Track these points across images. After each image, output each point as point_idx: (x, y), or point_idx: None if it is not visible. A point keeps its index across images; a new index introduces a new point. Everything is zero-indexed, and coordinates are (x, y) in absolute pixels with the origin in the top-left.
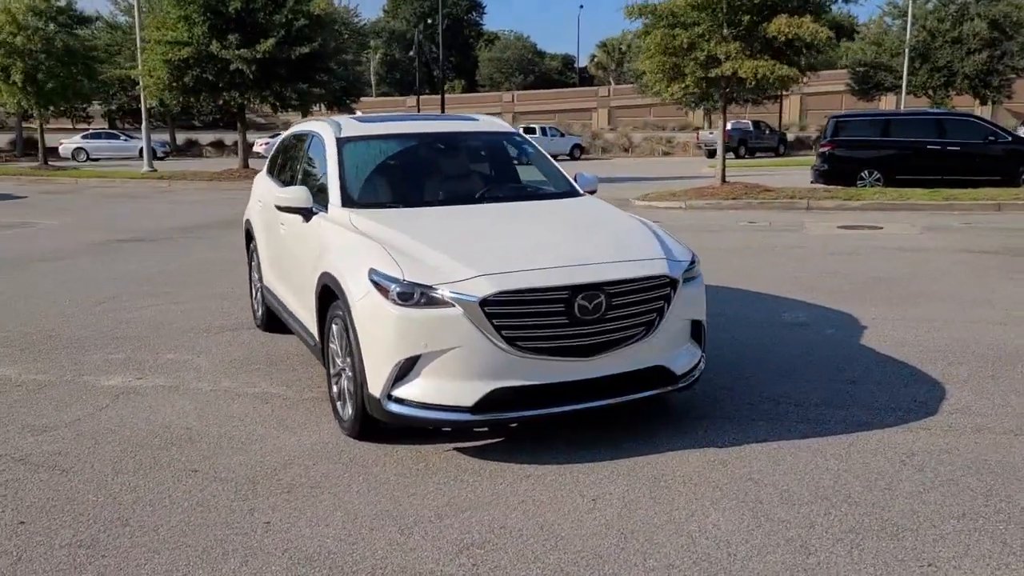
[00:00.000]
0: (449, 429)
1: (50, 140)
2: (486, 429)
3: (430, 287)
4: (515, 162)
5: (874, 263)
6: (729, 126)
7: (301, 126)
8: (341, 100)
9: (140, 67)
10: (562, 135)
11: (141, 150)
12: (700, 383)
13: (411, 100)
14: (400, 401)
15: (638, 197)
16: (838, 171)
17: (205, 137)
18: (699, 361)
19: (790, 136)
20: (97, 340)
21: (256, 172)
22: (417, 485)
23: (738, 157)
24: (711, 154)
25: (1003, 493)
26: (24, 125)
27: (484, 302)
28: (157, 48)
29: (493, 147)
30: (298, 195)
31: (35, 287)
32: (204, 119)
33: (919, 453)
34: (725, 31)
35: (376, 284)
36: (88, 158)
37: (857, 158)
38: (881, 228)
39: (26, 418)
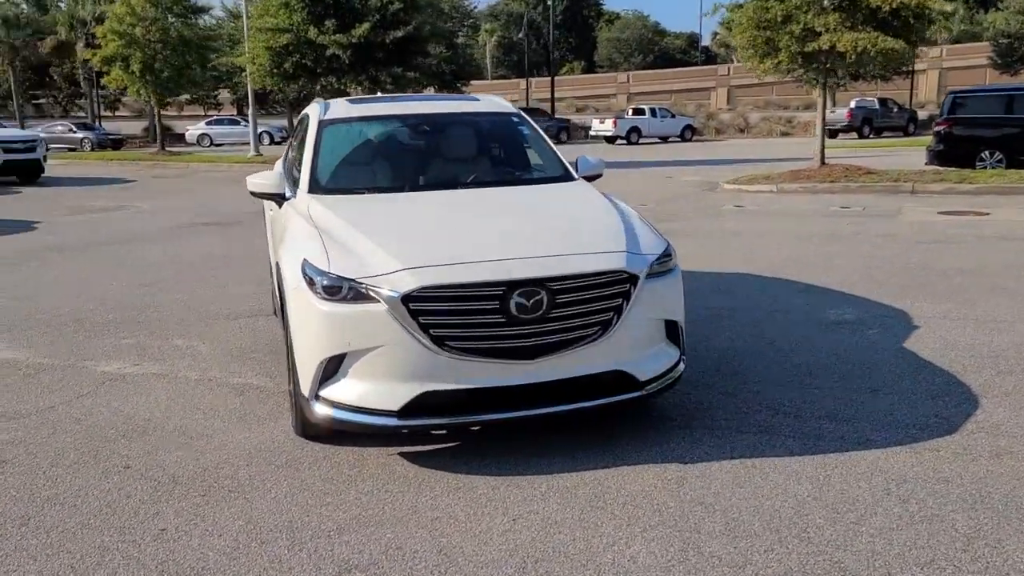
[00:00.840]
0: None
1: (182, 127)
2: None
3: (355, 281)
4: (523, 144)
5: (964, 254)
6: (853, 104)
7: (307, 108)
8: (451, 83)
9: (245, 54)
10: (672, 116)
11: (260, 134)
12: (696, 387)
13: (525, 83)
14: (327, 402)
15: (729, 180)
16: (955, 152)
17: None
18: (675, 364)
19: (923, 114)
20: (119, 324)
21: None
22: (338, 493)
23: (862, 137)
24: (833, 134)
25: (992, 537)
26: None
27: (407, 298)
28: (259, 36)
29: (487, 129)
30: (269, 180)
31: (93, 270)
32: None
33: (911, 480)
34: (825, 1)
35: (306, 276)
36: (212, 143)
37: (977, 137)
38: (988, 215)
39: (4, 404)
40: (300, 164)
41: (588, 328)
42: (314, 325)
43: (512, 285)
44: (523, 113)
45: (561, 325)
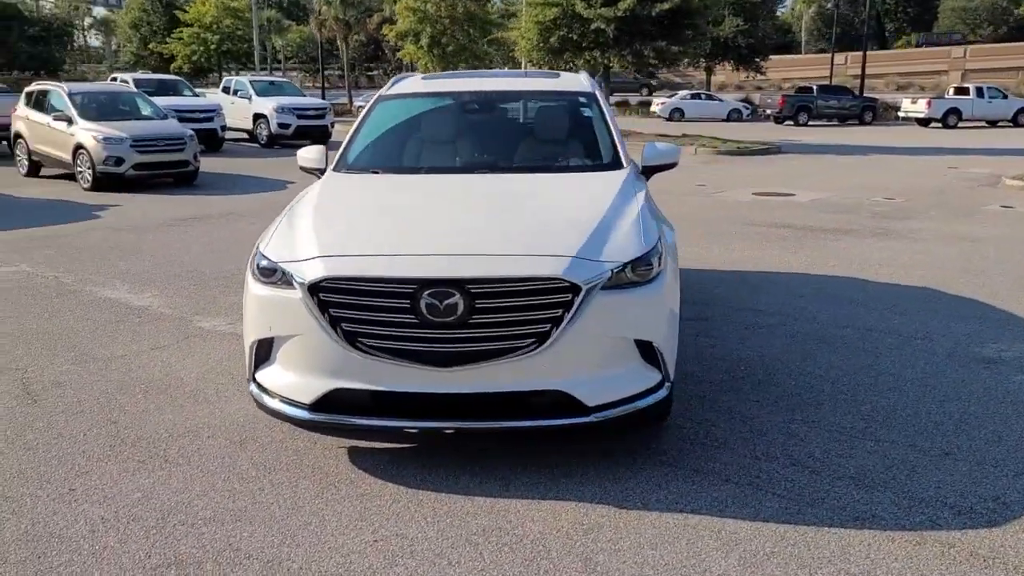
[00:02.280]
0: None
1: None
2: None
3: (278, 265)
4: (579, 127)
5: None
6: None
7: None
8: (747, 58)
9: (519, 28)
10: (1004, 96)
11: None
12: (704, 410)
13: (843, 56)
14: (259, 386)
15: (1019, 175)
16: None
17: (612, 99)
18: (648, 391)
19: None
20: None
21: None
22: (251, 481)
23: None
24: None
25: None
26: None
27: (314, 287)
28: (530, 10)
29: (543, 109)
30: (314, 155)
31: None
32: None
33: None
34: None
35: (253, 256)
36: None
37: None
38: None
39: (90, 345)
40: None
41: (520, 339)
42: (248, 307)
43: (424, 284)
44: (596, 94)
45: (484, 332)
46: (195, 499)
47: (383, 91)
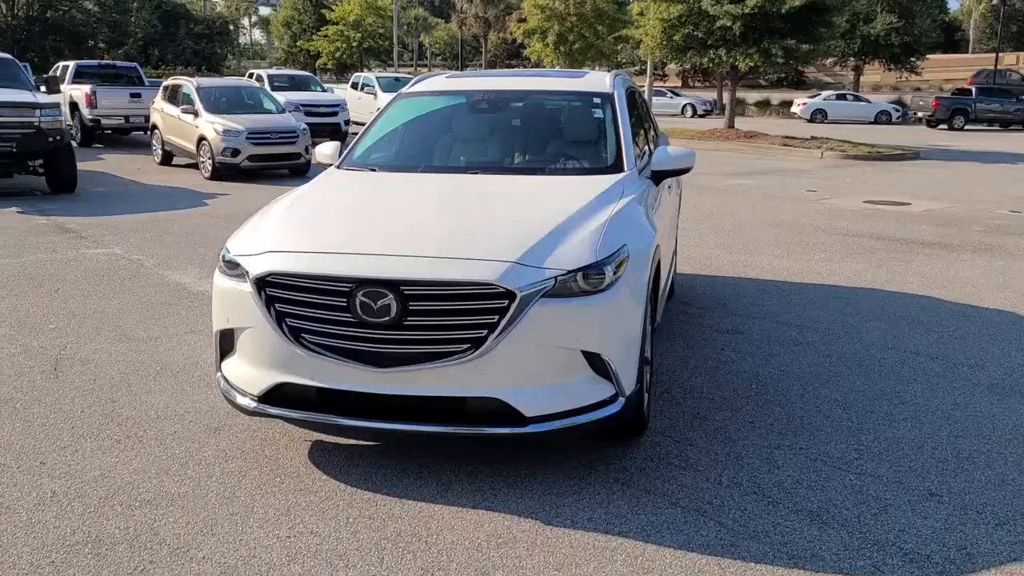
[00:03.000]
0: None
1: None
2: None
3: (235, 257)
4: (589, 129)
5: None
6: None
7: None
8: (899, 58)
9: (643, 26)
10: None
11: (684, 107)
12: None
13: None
14: (223, 376)
15: None
16: None
17: (752, 96)
18: (597, 405)
19: None
20: None
21: (744, 133)
22: (204, 468)
23: None
24: None
25: None
26: None
27: (260, 282)
28: (654, 7)
29: (554, 110)
30: (327, 151)
31: None
32: (769, 78)
33: None
34: None
35: (223, 248)
36: None
37: None
38: None
39: (134, 326)
40: None
41: (455, 344)
42: (213, 297)
43: (359, 283)
44: (615, 95)
45: (419, 335)
46: (144, 481)
47: (404, 88)
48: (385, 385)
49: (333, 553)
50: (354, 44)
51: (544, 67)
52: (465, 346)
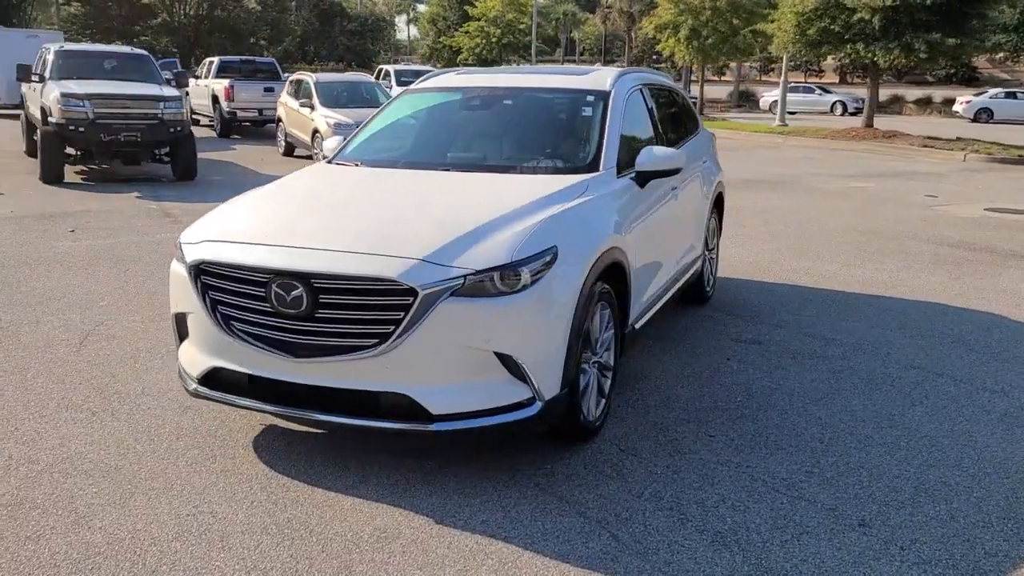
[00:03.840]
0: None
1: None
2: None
3: (181, 243)
4: (576, 128)
5: None
6: None
7: None
8: None
9: (777, 20)
10: None
11: (833, 104)
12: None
13: None
14: (178, 359)
15: None
16: None
17: (913, 93)
18: (511, 407)
19: None
20: None
21: (883, 133)
22: (154, 443)
23: None
24: None
25: None
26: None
27: (194, 269)
28: (788, 0)
29: (543, 108)
30: (330, 145)
31: None
32: (937, 74)
33: None
34: None
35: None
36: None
37: None
38: None
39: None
40: None
41: (363, 338)
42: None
43: (274, 274)
44: (612, 93)
45: (329, 328)
46: (93, 452)
47: (413, 84)
48: (303, 375)
49: (218, 534)
50: (493, 40)
51: (676, 63)
52: (373, 341)
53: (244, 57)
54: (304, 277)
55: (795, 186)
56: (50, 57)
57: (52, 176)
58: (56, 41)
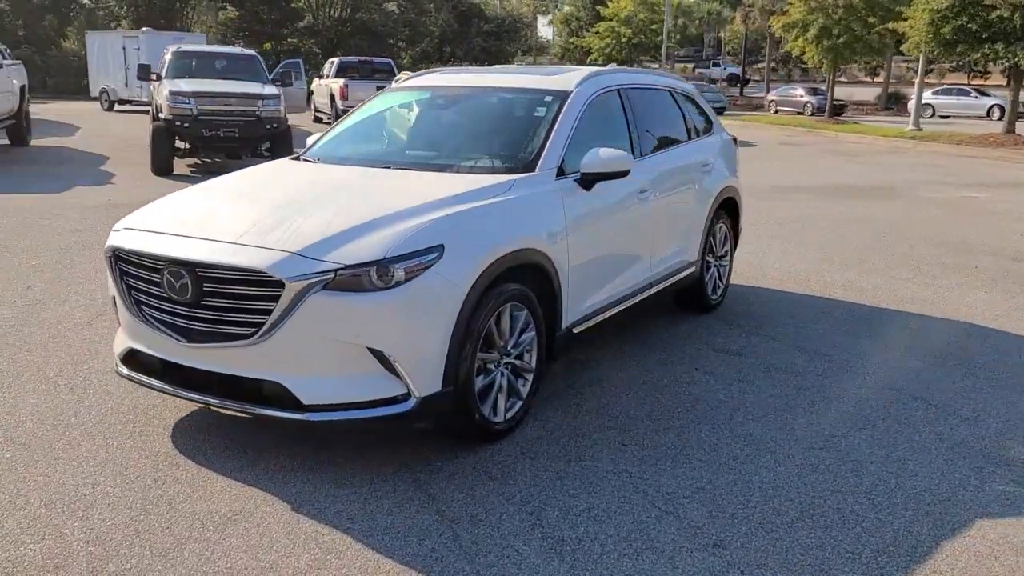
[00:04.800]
0: None
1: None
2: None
3: (112, 229)
4: (524, 128)
5: None
6: None
7: None
8: None
9: (909, 18)
10: None
11: (990, 108)
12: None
13: None
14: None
15: None
16: None
17: None
18: (384, 401)
19: None
20: None
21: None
22: (87, 415)
23: None
24: None
25: None
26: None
27: (110, 255)
28: None
29: (499, 108)
30: (309, 141)
31: None
32: None
33: None
34: None
35: None
36: (934, 114)
37: None
38: None
39: None
40: None
41: (241, 326)
42: None
43: (166, 262)
44: (570, 93)
45: (213, 316)
46: (31, 421)
47: (392, 84)
48: (198, 360)
49: (85, 504)
50: (623, 40)
51: (806, 63)
52: (251, 330)
53: (363, 58)
54: (189, 266)
55: (898, 194)
56: (168, 57)
57: (161, 168)
58: (199, 44)
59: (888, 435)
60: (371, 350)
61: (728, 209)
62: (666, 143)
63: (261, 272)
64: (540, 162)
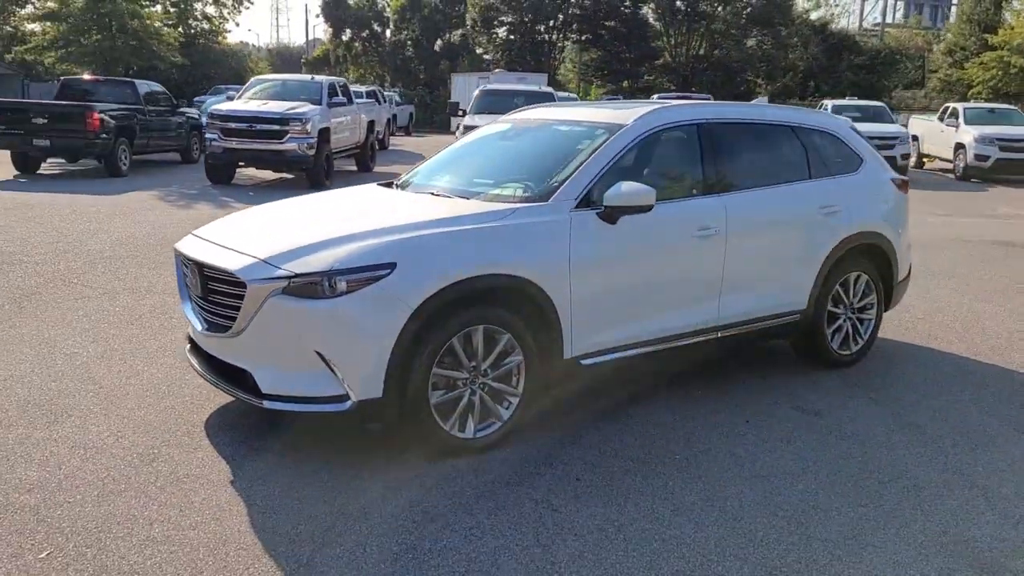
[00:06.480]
0: None
1: None
2: None
3: None
4: (560, 159)
5: None
6: None
7: None
8: None
9: None
10: None
11: None
12: None
13: None
14: None
15: None
16: None
17: None
18: (331, 398)
19: None
20: None
21: None
22: (21, 387)
23: None
24: None
25: None
26: None
27: (176, 252)
28: None
29: (551, 139)
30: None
31: None
32: None
33: None
34: None
35: None
36: None
37: None
38: None
39: None
40: None
41: (227, 319)
42: None
43: (189, 261)
44: (623, 127)
45: (213, 308)
46: (16, 390)
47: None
48: (211, 346)
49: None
50: (1012, 71)
51: None
52: (231, 323)
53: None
54: (199, 265)
55: None
56: (475, 94)
57: None
58: (506, 83)
59: (886, 510)
60: (317, 352)
61: (874, 256)
62: (765, 181)
63: (231, 274)
64: (558, 193)
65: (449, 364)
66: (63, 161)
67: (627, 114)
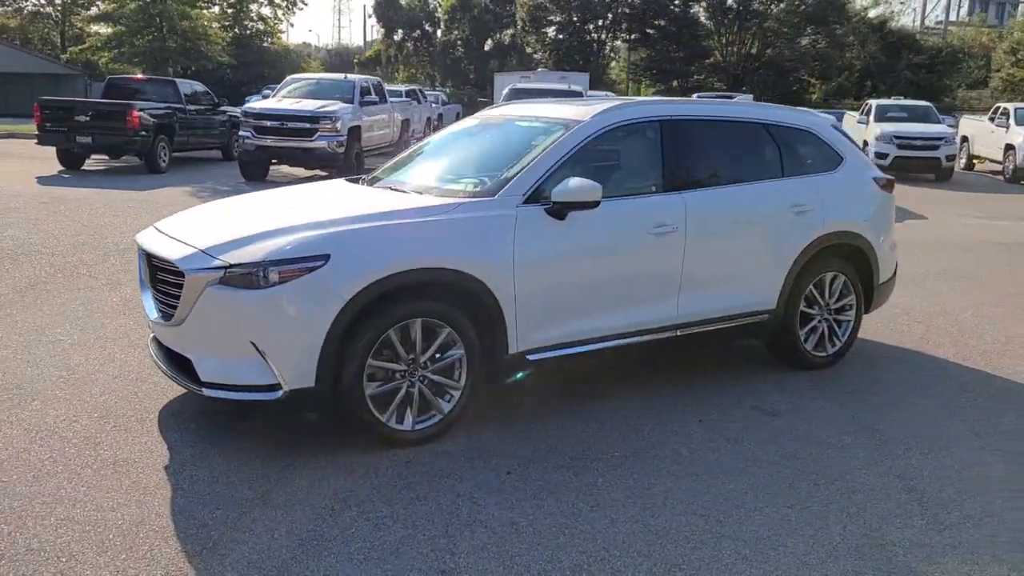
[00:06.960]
0: None
1: None
2: None
3: None
4: (523, 150)
5: None
6: None
7: None
8: None
9: None
10: None
11: None
12: None
13: None
14: None
15: None
16: None
17: None
18: (264, 387)
19: None
20: None
21: None
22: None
23: None
24: None
25: None
26: None
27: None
28: None
29: (513, 133)
30: None
31: None
32: None
33: None
34: None
35: None
36: None
37: None
38: None
39: None
40: None
41: (170, 308)
42: None
43: (141, 251)
44: (579, 123)
45: (159, 297)
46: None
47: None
48: (163, 335)
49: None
50: None
51: None
52: (173, 312)
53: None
54: (148, 255)
55: None
56: (504, 93)
57: None
58: (545, 82)
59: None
60: (251, 341)
61: (852, 257)
62: (731, 179)
63: (171, 263)
64: (506, 188)
65: (387, 356)
66: (106, 158)
67: (587, 111)
